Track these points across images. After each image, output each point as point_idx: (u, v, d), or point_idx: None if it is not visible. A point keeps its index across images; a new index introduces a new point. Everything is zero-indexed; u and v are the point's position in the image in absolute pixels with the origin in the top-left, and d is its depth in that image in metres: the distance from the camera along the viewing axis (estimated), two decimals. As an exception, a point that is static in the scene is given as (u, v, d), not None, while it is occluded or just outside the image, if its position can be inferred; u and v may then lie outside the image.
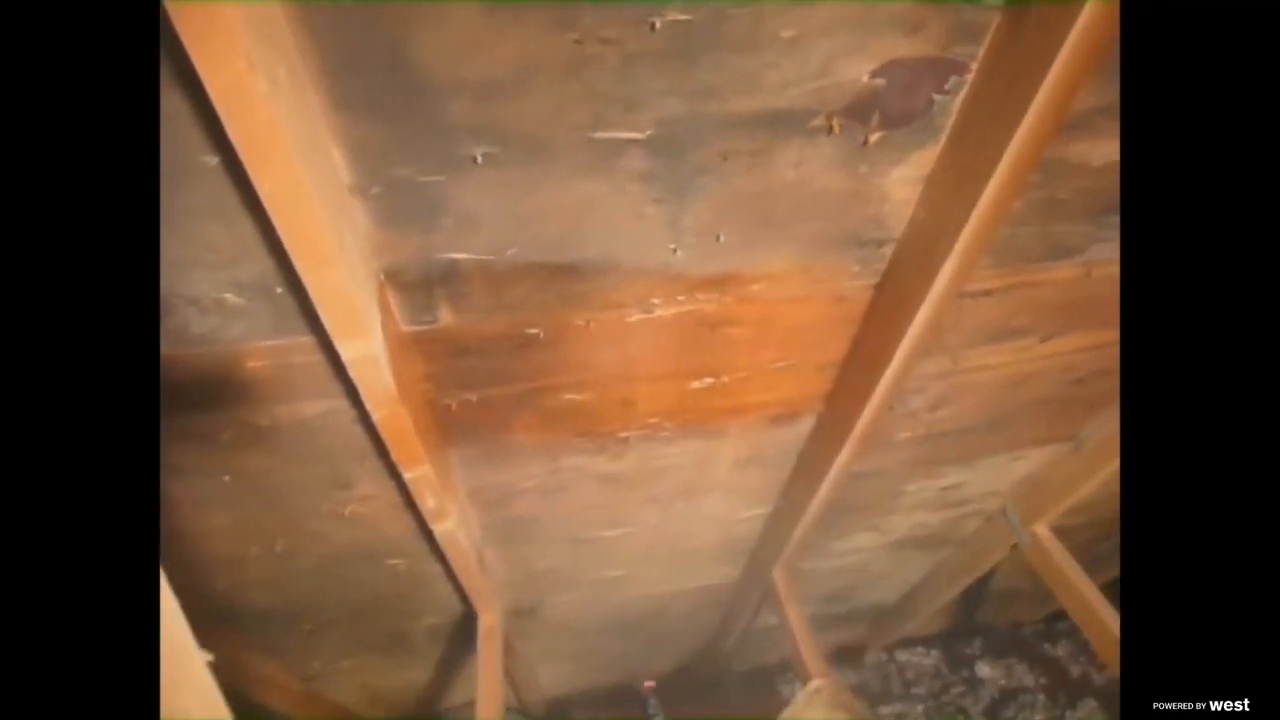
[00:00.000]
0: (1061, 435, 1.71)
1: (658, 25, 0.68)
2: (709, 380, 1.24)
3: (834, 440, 1.39)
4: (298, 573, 1.62)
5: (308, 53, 0.67)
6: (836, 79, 0.77)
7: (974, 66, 0.79)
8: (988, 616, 3.08)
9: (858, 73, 0.77)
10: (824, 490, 1.55)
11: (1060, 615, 2.01)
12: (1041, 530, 1.93)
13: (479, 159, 0.78)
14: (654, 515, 1.72)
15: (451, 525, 1.37)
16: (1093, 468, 1.69)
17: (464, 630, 2.05)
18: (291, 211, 0.70)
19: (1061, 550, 1.92)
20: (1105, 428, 1.63)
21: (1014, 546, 2.01)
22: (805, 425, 1.46)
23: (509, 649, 2.13)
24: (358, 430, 1.15)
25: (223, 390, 1.01)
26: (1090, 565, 1.91)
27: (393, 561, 1.67)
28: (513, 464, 1.40)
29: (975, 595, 2.74)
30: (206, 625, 0.54)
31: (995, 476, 1.87)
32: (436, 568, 1.68)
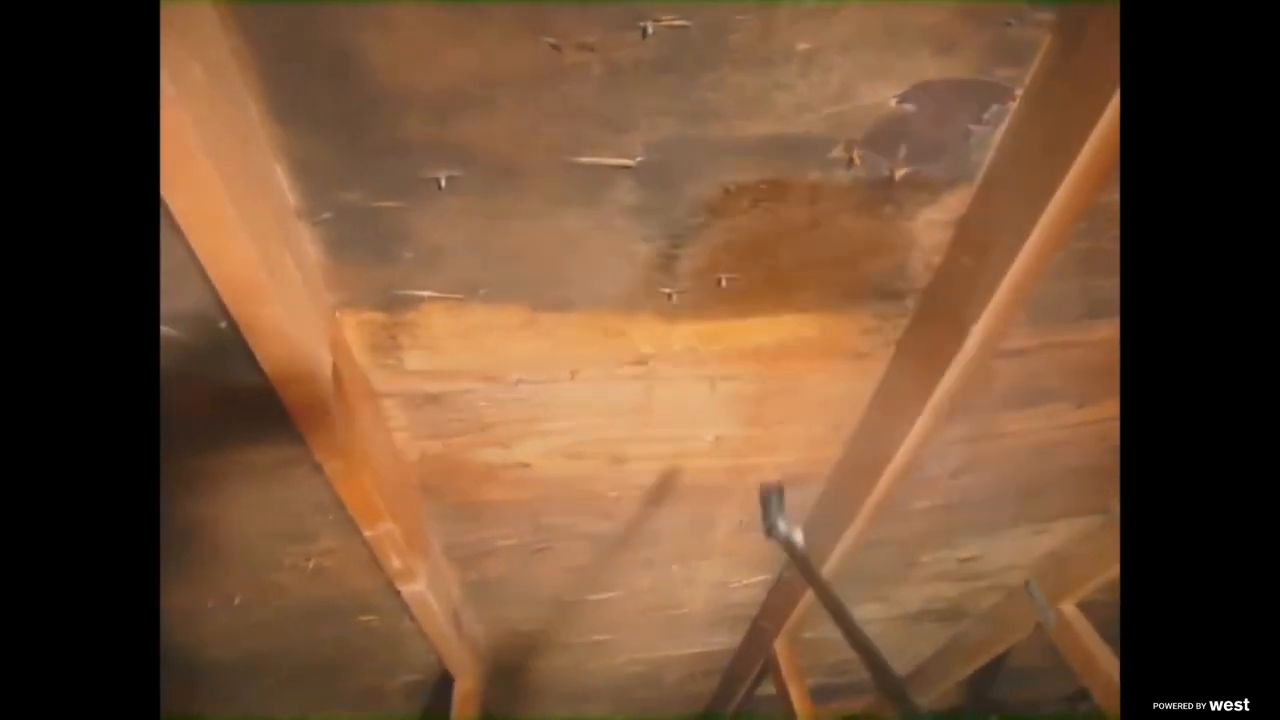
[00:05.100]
0: (1093, 508, 1.57)
1: (650, 31, 0.57)
2: (708, 439, 1.12)
3: (845, 507, 1.26)
4: (260, 626, 1.50)
5: (243, 53, 0.57)
6: (858, 103, 0.65)
7: (1018, 93, 0.67)
8: (1002, 694, 2.89)
9: (882, 96, 0.65)
10: (832, 559, 1.41)
11: (1084, 694, 1.93)
12: (1068, 609, 1.78)
13: (443, 183, 0.67)
14: (646, 579, 1.59)
15: (420, 587, 1.25)
16: (1127, 541, 1.54)
17: (443, 689, 1.90)
18: (211, 235, 0.59)
19: (1090, 631, 1.76)
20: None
21: (1037, 625, 1.86)
22: (813, 490, 1.33)
23: (490, 714, 1.98)
24: (317, 480, 1.03)
25: (162, 429, 0.90)
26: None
27: (364, 618, 1.55)
28: (489, 520, 1.27)
29: (990, 671, 2.58)
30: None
31: (1019, 549, 1.73)
32: (411, 625, 1.54)
